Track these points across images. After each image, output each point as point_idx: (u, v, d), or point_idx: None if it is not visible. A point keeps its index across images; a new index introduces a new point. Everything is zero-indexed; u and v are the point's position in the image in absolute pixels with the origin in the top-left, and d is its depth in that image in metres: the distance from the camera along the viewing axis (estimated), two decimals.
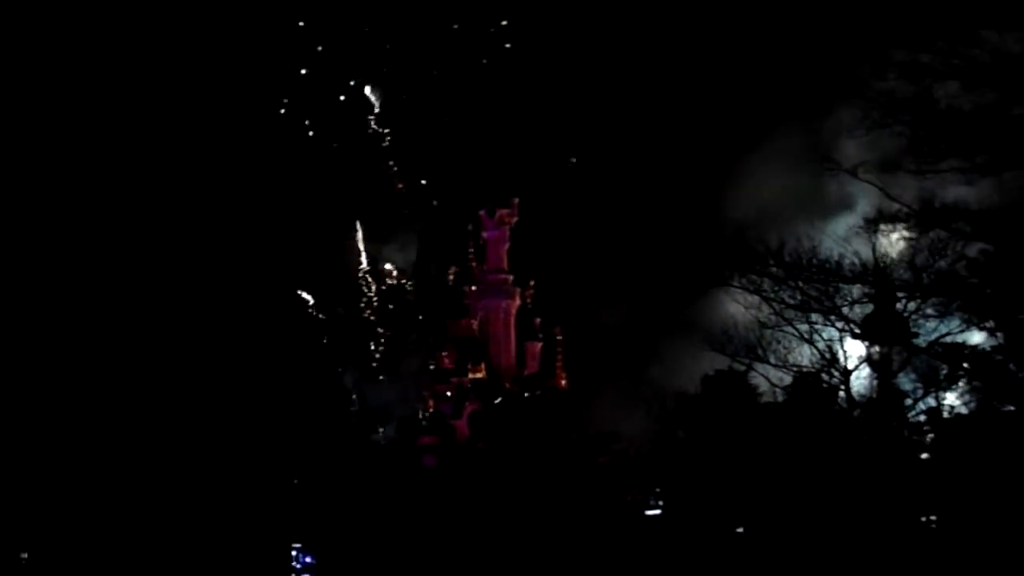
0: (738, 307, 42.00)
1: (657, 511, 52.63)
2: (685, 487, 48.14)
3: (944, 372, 37.57)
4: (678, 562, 45.27)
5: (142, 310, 57.83)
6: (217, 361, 58.49)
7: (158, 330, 58.06)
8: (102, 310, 56.96)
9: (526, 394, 60.45)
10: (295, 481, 55.98)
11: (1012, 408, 35.62)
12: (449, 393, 60.70)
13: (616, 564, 47.96)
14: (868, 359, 39.53)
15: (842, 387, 40.44)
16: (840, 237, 38.68)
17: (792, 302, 39.84)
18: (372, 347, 69.40)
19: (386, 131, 72.73)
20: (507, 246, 63.63)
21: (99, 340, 55.99)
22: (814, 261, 38.44)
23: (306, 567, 53.45)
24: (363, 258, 71.99)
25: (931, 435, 39.35)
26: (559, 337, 62.66)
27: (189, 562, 50.31)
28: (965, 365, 36.39)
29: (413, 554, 50.10)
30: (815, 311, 39.57)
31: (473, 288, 63.09)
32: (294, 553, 53.97)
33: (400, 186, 72.93)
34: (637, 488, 54.20)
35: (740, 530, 45.00)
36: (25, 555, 51.97)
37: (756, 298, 40.71)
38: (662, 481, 52.12)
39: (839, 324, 39.35)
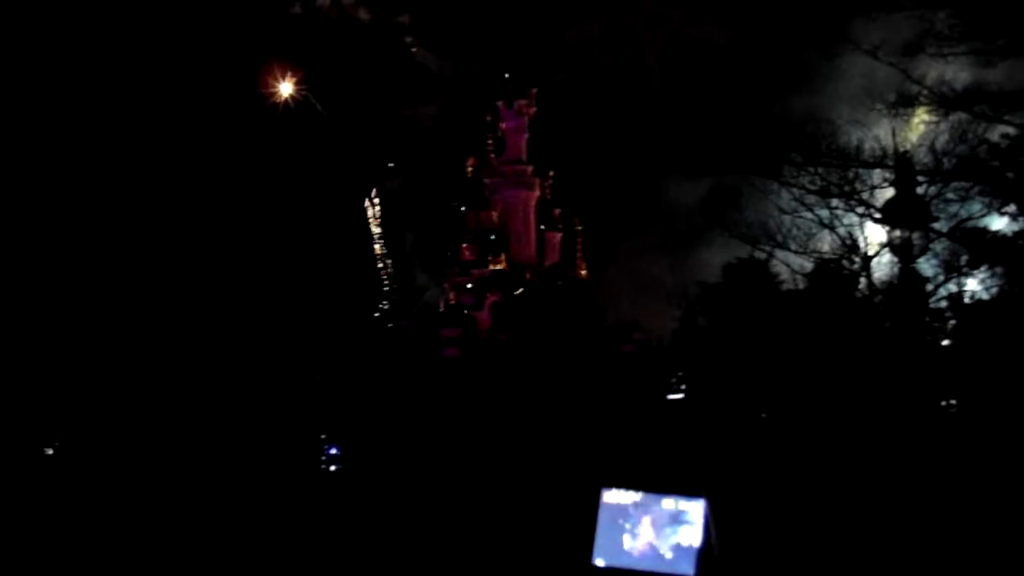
0: (758, 194, 41.80)
1: (679, 395, 52.81)
2: (707, 372, 48.18)
3: (965, 257, 37.35)
4: (700, 446, 45.39)
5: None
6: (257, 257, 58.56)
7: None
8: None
9: (547, 285, 60.51)
10: (324, 374, 56.23)
11: None
12: (469, 285, 60.77)
13: (639, 449, 48.18)
14: (889, 244, 39.33)
15: (863, 273, 40.28)
16: (860, 122, 38.28)
17: (813, 188, 39.52)
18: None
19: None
20: (526, 137, 63.36)
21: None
22: (834, 146, 38.07)
23: (332, 458, 53.83)
24: None
25: (952, 320, 39.21)
26: (579, 227, 62.60)
27: (219, 451, 50.63)
28: (986, 249, 36.14)
29: (436, 444, 50.45)
30: (836, 197, 39.27)
31: (492, 180, 62.93)
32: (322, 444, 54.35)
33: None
34: (662, 376, 54.40)
35: (763, 415, 45.17)
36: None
37: (776, 184, 40.47)
38: (684, 367, 52.19)
39: (860, 209, 39.07)
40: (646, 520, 16.07)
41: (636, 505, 16.17)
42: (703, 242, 51.99)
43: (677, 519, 16.02)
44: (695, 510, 15.91)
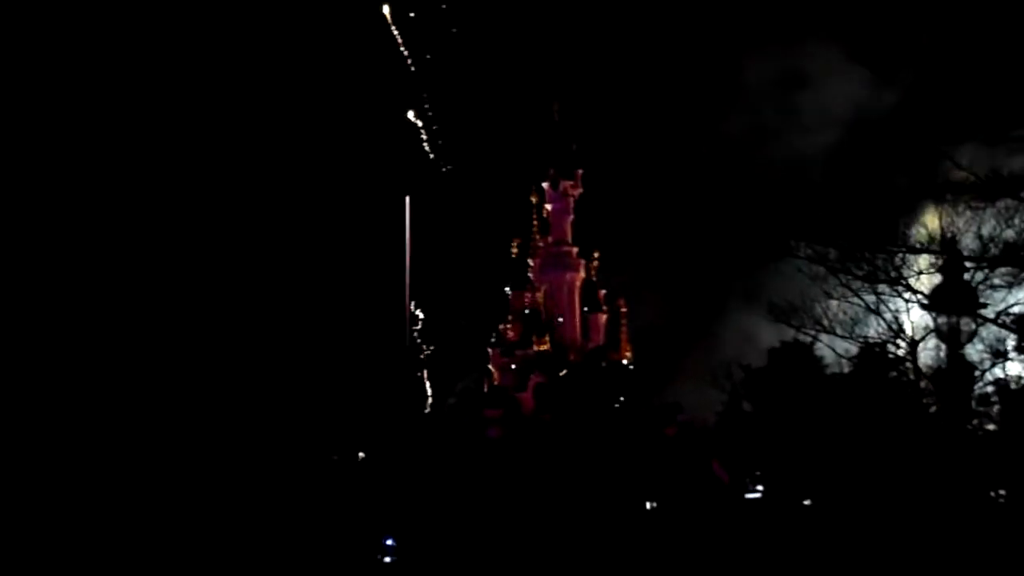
0: (803, 278, 41.69)
1: (756, 495, 51.46)
2: (785, 470, 47.04)
3: (1012, 343, 37.10)
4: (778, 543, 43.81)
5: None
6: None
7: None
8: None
9: (590, 366, 60.37)
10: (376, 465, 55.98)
11: None
12: (513, 366, 60.71)
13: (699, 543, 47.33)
14: (936, 330, 39.05)
15: (909, 358, 40.04)
16: (907, 207, 38.22)
17: (859, 273, 39.38)
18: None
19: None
20: (571, 218, 63.55)
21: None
22: (881, 231, 37.97)
23: (388, 549, 53.38)
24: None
25: (999, 406, 38.88)
26: (623, 309, 62.52)
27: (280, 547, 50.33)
28: None
29: (483, 528, 50.15)
30: (882, 282, 39.12)
31: (537, 260, 63.08)
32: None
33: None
34: (709, 461, 53.80)
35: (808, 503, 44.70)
36: None
37: (822, 268, 40.35)
38: (759, 463, 51.03)
39: (906, 295, 38.90)
40: None
41: None
42: (747, 325, 51.77)
43: None
44: None
